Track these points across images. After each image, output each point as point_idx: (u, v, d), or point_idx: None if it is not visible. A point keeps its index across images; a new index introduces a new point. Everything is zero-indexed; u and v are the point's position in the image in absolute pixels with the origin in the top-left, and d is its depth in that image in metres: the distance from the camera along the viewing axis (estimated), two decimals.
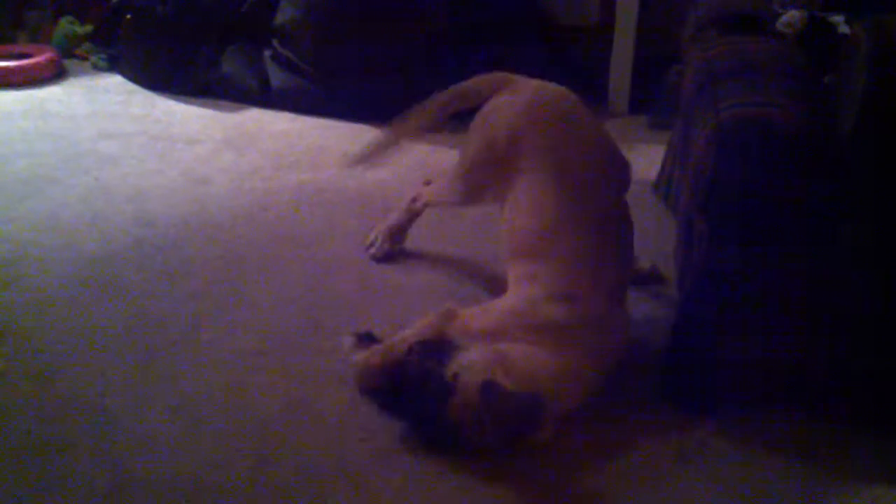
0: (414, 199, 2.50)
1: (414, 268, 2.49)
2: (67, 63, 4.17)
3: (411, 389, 1.77)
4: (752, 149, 1.73)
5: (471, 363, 1.75)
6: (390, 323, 2.15)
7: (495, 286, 2.27)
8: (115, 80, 4.00)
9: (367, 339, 2.02)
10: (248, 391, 1.96)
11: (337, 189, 2.96)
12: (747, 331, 1.82)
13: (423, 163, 3.15)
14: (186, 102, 3.73)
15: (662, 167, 2.84)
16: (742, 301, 1.80)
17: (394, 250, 2.53)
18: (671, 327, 1.96)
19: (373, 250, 2.52)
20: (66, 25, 4.27)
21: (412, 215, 2.53)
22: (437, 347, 1.81)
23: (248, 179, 3.02)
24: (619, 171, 2.11)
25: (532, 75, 3.60)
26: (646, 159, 2.98)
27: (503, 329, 1.86)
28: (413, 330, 1.98)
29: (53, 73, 4.02)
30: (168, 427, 1.85)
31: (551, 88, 2.21)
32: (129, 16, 3.92)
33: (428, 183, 2.56)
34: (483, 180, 2.21)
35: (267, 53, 3.74)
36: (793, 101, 1.81)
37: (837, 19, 2.34)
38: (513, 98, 2.19)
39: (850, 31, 1.87)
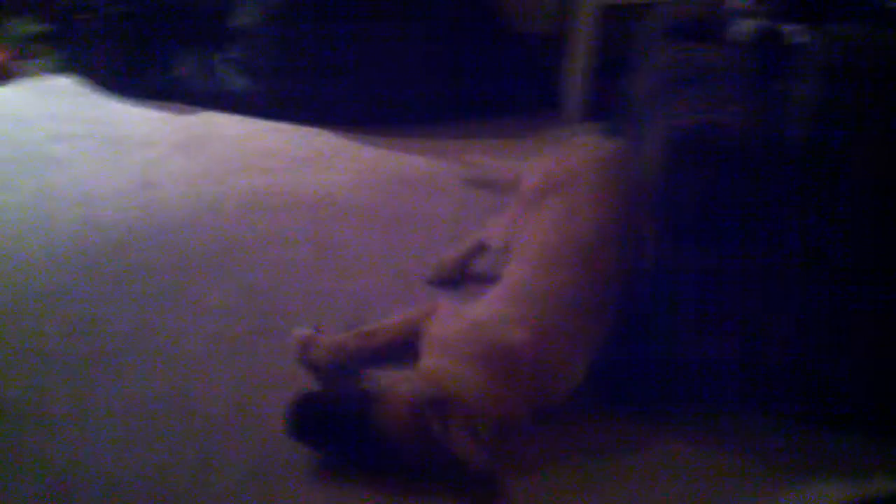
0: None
1: (363, 275, 2.47)
2: (17, 63, 4.10)
3: (328, 400, 1.77)
4: (702, 155, 1.75)
5: (388, 377, 1.80)
6: (337, 328, 2.14)
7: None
8: (66, 82, 3.94)
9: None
10: (193, 395, 1.94)
11: (288, 193, 2.94)
12: (698, 332, 1.84)
13: (376, 167, 3.14)
14: (138, 105, 3.68)
15: None
16: (693, 302, 1.82)
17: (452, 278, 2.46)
18: (623, 329, 1.97)
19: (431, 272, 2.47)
20: (17, 25, 4.20)
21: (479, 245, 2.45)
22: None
23: (199, 183, 2.98)
24: (632, 242, 2.00)
25: (488, 81, 3.64)
26: None
27: (451, 340, 1.86)
28: (394, 320, 2.04)
29: (3, 74, 3.95)
30: (112, 432, 1.82)
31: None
32: (81, 16, 3.86)
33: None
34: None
35: (219, 57, 3.70)
36: (744, 108, 1.83)
37: (788, 29, 2.36)
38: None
39: (802, 41, 1.90)
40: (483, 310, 1.95)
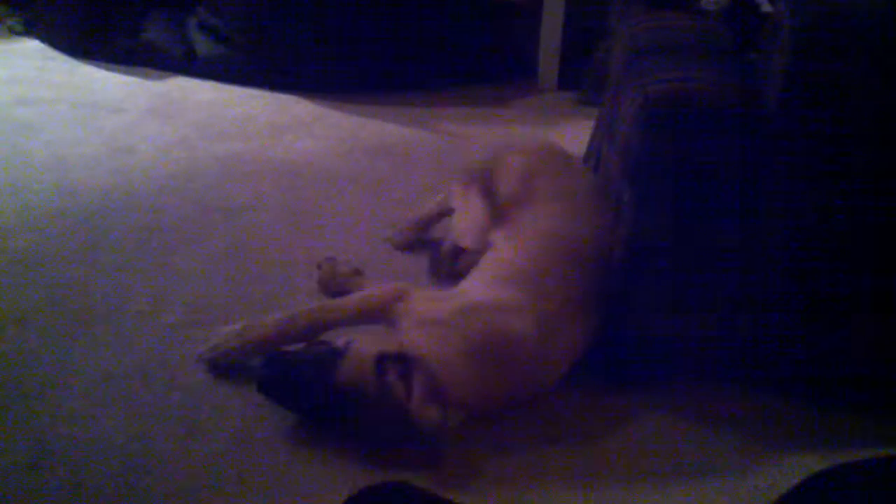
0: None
1: (342, 242, 2.48)
2: None
3: (295, 356, 1.76)
4: (677, 123, 1.76)
5: (363, 336, 1.78)
6: (316, 295, 2.17)
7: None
8: (33, 45, 3.88)
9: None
10: (175, 363, 1.93)
11: (264, 160, 2.93)
12: (675, 304, 1.86)
13: (353, 135, 3.14)
14: (108, 69, 3.64)
15: (591, 142, 2.87)
16: (669, 274, 1.83)
17: (414, 241, 2.48)
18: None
19: (391, 234, 2.49)
20: None
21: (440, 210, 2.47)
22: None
23: (174, 149, 2.96)
24: (607, 221, 2.02)
25: (464, 49, 3.63)
26: (574, 135, 3.01)
27: (448, 323, 1.81)
28: (356, 297, 1.98)
29: None
30: (93, 400, 1.82)
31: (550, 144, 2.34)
32: None
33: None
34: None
35: (193, 22, 3.67)
36: (718, 76, 1.84)
37: None
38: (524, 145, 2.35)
39: (773, 9, 1.91)
40: (480, 292, 1.92)
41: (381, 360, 1.69)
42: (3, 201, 2.57)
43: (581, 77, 3.58)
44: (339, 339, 1.78)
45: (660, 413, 1.88)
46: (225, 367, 1.91)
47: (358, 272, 2.20)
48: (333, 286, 2.18)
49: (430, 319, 1.83)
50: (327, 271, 2.20)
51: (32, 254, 2.31)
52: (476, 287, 1.96)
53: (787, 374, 1.91)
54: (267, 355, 1.77)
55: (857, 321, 1.82)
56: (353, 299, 1.98)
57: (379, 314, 1.93)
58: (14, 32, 4.00)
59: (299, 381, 1.72)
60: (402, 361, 1.69)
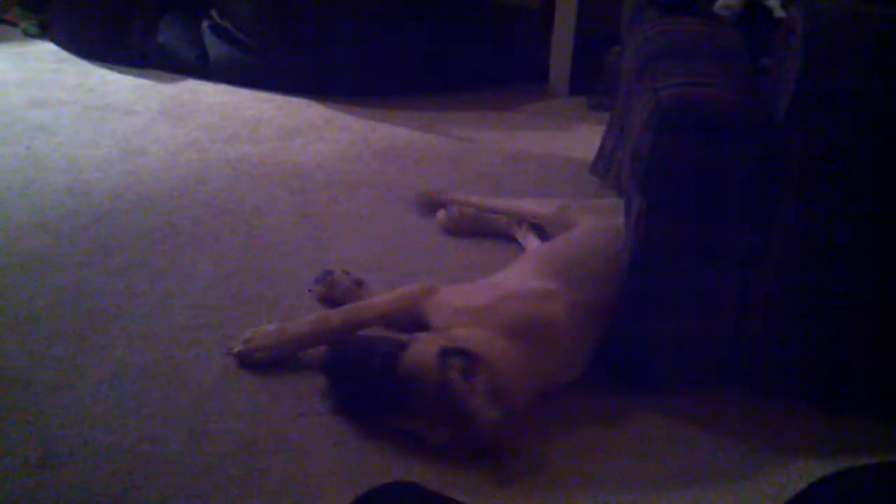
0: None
1: (353, 245, 2.48)
2: None
3: (360, 345, 1.77)
4: (689, 128, 1.75)
5: (425, 334, 1.78)
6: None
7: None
8: (47, 48, 3.90)
9: None
10: (182, 365, 1.94)
11: (275, 163, 2.93)
12: (682, 307, 1.85)
13: (363, 138, 3.14)
14: (121, 72, 3.66)
15: (601, 148, 2.87)
16: (679, 277, 1.83)
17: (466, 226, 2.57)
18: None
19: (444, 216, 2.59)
20: None
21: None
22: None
23: (185, 151, 2.97)
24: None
25: (475, 54, 3.63)
26: (585, 140, 3.02)
27: (487, 310, 1.83)
28: (386, 297, 2.00)
29: None
30: (100, 400, 1.82)
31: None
32: None
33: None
34: None
35: (205, 24, 3.68)
36: (730, 82, 1.84)
37: (773, 3, 2.38)
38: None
39: (786, 14, 1.91)
40: (517, 282, 1.94)
41: (445, 354, 1.67)
42: (16, 202, 2.59)
43: (592, 82, 3.58)
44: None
45: (664, 416, 1.87)
46: (254, 363, 1.92)
47: (359, 283, 2.17)
48: (335, 299, 2.16)
49: (466, 309, 1.85)
50: (327, 285, 2.17)
51: (44, 254, 2.32)
52: (508, 278, 1.99)
53: (793, 378, 1.90)
54: (332, 346, 1.80)
55: (864, 327, 1.81)
56: (384, 298, 2.00)
57: (411, 311, 1.95)
58: (29, 35, 4.03)
59: (363, 368, 1.72)
60: (466, 357, 1.67)
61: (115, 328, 2.04)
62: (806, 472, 1.71)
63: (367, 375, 1.71)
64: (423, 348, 1.70)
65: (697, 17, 2.35)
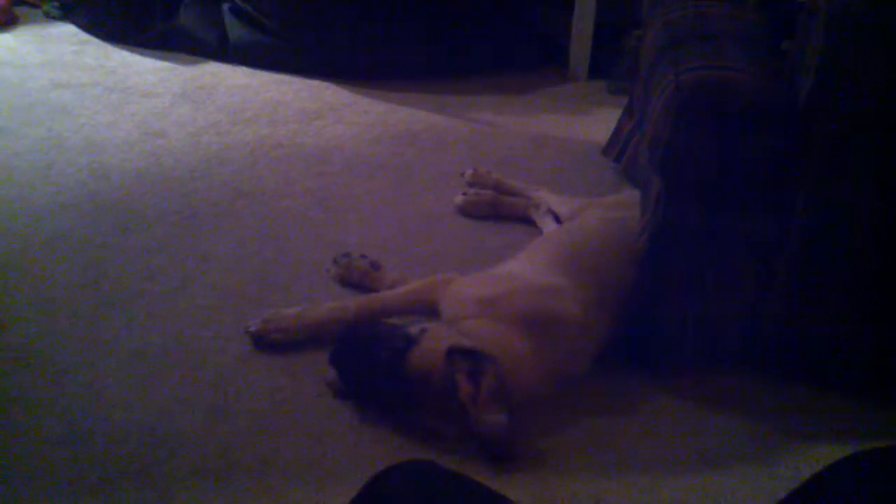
0: None
1: (371, 227, 2.49)
2: (18, 10, 4.07)
3: (370, 335, 1.76)
4: (709, 112, 1.75)
5: (436, 326, 1.78)
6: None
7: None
8: (68, 30, 3.91)
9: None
10: (201, 344, 1.96)
11: (294, 145, 2.94)
12: (701, 291, 1.85)
13: (382, 121, 3.14)
14: (142, 54, 3.67)
15: (616, 131, 2.86)
16: (697, 261, 1.83)
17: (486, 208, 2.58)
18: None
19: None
20: None
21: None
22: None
23: (205, 134, 2.98)
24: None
25: (495, 36, 3.62)
26: (604, 124, 3.00)
27: (498, 302, 1.83)
28: (404, 289, 2.02)
29: (4, 21, 3.93)
30: (121, 379, 1.84)
31: None
32: None
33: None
34: None
35: (225, 7, 3.68)
36: (751, 65, 1.82)
37: None
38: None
39: None
40: (528, 275, 1.94)
41: (452, 353, 1.66)
42: (38, 183, 2.61)
43: (612, 66, 3.56)
44: (415, 323, 1.79)
45: (676, 400, 1.88)
46: (268, 343, 1.94)
47: (376, 265, 2.18)
48: (351, 280, 2.18)
49: (477, 300, 1.85)
50: (344, 266, 2.19)
51: (65, 235, 2.35)
52: (520, 269, 1.99)
53: (811, 362, 1.89)
54: (345, 329, 1.80)
55: (887, 310, 1.80)
56: (402, 288, 2.03)
57: (426, 301, 1.97)
58: (50, 17, 4.05)
59: (370, 360, 1.72)
60: (473, 358, 1.66)
61: (136, 308, 2.06)
62: (822, 455, 1.72)
63: (374, 372, 1.71)
64: (431, 347, 1.69)
65: (718, 0, 2.33)
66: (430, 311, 1.96)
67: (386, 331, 1.77)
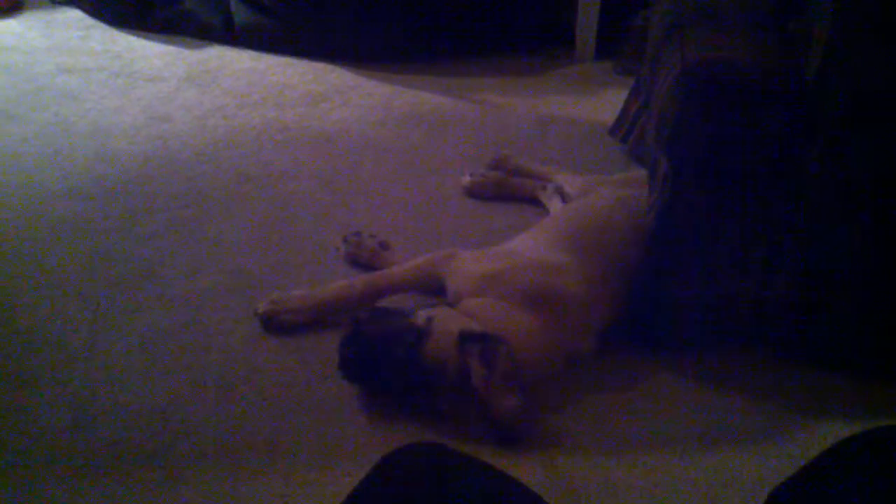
0: None
1: (377, 210, 2.49)
2: None
3: (378, 335, 1.73)
4: (716, 92, 1.74)
5: (441, 312, 1.76)
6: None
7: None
8: (74, 15, 3.91)
9: None
10: (210, 327, 1.97)
11: (301, 128, 2.94)
12: (709, 270, 1.85)
13: (388, 104, 3.13)
14: (147, 38, 3.66)
15: (623, 111, 2.85)
16: (704, 240, 1.82)
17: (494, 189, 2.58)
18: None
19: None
20: None
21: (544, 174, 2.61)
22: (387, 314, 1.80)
23: (211, 117, 2.98)
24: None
25: (499, 18, 3.60)
26: (609, 104, 2.99)
27: (501, 278, 1.83)
28: (408, 265, 2.02)
29: (10, 6, 3.92)
30: (130, 362, 1.86)
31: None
32: None
33: None
34: None
35: None
36: (758, 45, 1.82)
37: None
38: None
39: None
40: (530, 252, 1.94)
41: (464, 339, 1.67)
42: (46, 168, 2.62)
43: (619, 46, 3.54)
44: (420, 310, 1.77)
45: (690, 379, 1.88)
46: (277, 325, 1.94)
47: (385, 245, 2.19)
48: (361, 259, 2.19)
49: (482, 276, 1.85)
50: (354, 245, 2.20)
51: (73, 221, 2.35)
52: (525, 246, 1.98)
53: (817, 342, 1.89)
54: (346, 335, 1.75)
55: (893, 290, 1.80)
56: (406, 266, 2.02)
57: (432, 278, 1.97)
58: (56, 2, 4.04)
59: (383, 361, 1.71)
60: (485, 342, 1.67)
61: (144, 292, 2.07)
62: (830, 433, 1.72)
63: (391, 371, 1.70)
64: (443, 335, 1.69)
65: None
66: (436, 287, 1.97)
67: (394, 326, 1.75)
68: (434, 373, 1.68)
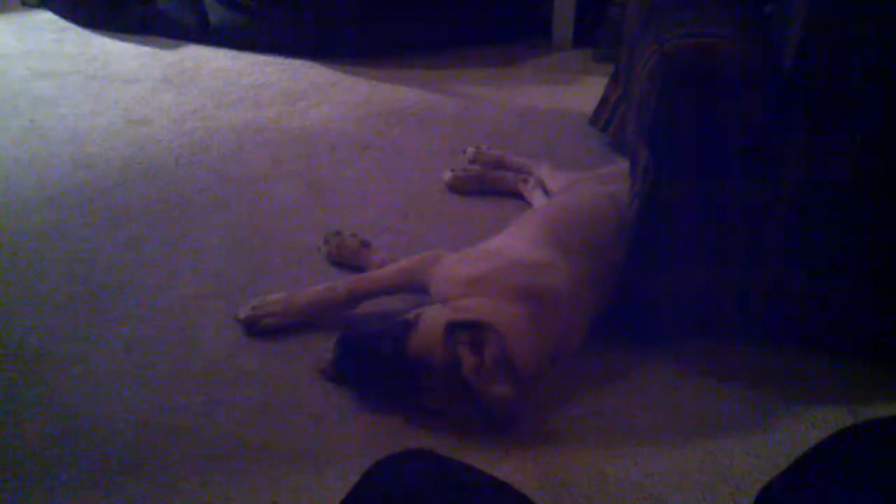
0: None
1: (359, 208, 2.47)
2: None
3: (368, 333, 1.73)
4: (694, 79, 1.73)
5: (431, 307, 1.76)
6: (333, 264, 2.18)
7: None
8: (47, 17, 3.87)
9: None
10: (194, 334, 1.95)
11: (280, 128, 2.92)
12: (691, 261, 1.84)
13: (367, 100, 3.12)
14: (122, 40, 3.63)
15: (603, 100, 2.85)
16: (687, 229, 1.82)
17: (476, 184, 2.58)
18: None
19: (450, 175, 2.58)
20: None
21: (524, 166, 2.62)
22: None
23: (189, 119, 2.96)
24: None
25: (475, 9, 3.59)
26: (589, 92, 2.99)
27: (487, 280, 1.81)
28: (392, 268, 2.00)
29: None
30: (115, 371, 1.84)
31: None
32: None
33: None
34: None
35: None
36: (736, 31, 1.81)
37: None
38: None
39: None
40: (518, 250, 1.92)
41: (452, 328, 1.66)
42: (23, 176, 2.59)
43: (597, 33, 3.54)
44: (411, 310, 1.77)
45: (678, 369, 1.88)
46: (260, 329, 1.93)
47: (366, 244, 2.18)
48: (342, 259, 2.18)
49: (468, 278, 1.83)
50: (335, 244, 2.18)
51: (53, 228, 2.33)
52: (509, 244, 1.97)
53: (807, 329, 1.89)
54: (338, 338, 1.75)
55: (875, 273, 1.80)
56: (390, 268, 2.00)
57: (416, 280, 1.95)
58: (28, 5, 4.00)
59: (374, 358, 1.70)
60: (474, 329, 1.66)
61: (126, 300, 2.05)
62: (818, 421, 1.72)
63: (379, 366, 1.70)
64: (430, 326, 1.68)
65: None
66: (420, 289, 1.95)
67: (385, 324, 1.75)
68: (420, 365, 1.66)
